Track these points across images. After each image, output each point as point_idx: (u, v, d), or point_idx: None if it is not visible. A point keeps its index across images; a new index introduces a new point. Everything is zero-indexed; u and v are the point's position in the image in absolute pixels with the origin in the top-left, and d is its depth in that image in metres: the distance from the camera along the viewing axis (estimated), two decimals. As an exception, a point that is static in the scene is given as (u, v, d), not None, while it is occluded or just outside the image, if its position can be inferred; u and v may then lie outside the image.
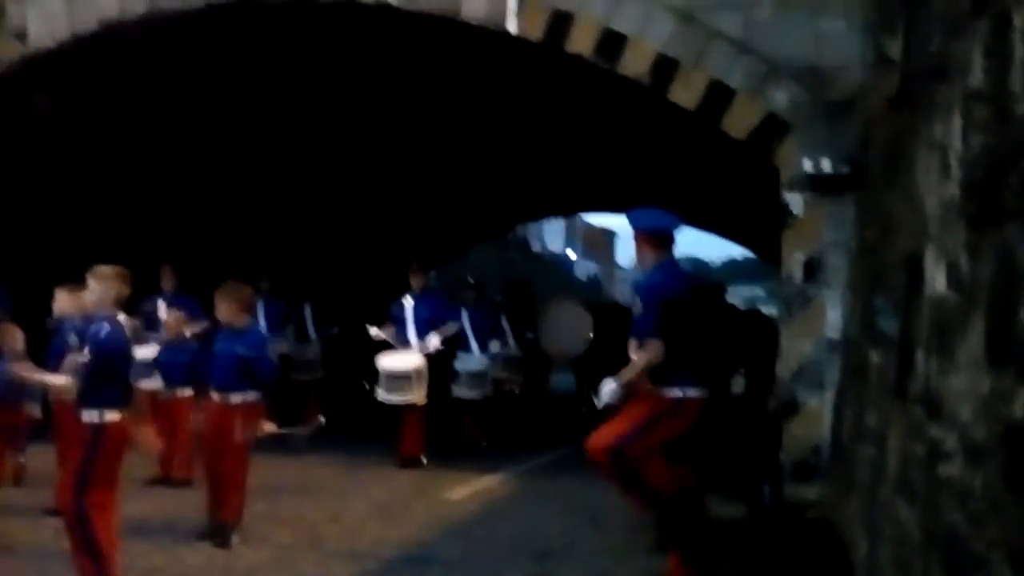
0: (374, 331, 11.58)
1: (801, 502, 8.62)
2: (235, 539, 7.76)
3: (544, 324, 14.10)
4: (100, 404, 6.20)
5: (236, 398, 7.95)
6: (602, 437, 6.47)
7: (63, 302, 8.67)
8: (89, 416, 6.20)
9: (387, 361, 11.26)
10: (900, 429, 4.99)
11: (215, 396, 8.05)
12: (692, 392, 6.50)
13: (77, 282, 7.50)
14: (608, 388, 6.54)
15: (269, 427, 8.11)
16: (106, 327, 6.29)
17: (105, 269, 6.48)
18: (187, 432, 9.66)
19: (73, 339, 7.92)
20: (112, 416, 6.19)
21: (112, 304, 6.41)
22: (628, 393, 6.55)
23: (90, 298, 6.70)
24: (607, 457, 6.42)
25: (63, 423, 7.99)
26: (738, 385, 11.03)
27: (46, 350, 8.52)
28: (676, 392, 6.45)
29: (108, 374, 6.24)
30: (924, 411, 4.33)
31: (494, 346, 12.93)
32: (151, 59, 11.81)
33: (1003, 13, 3.36)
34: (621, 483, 6.58)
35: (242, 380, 7.97)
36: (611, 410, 6.64)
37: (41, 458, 9.16)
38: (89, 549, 6.11)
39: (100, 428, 6.17)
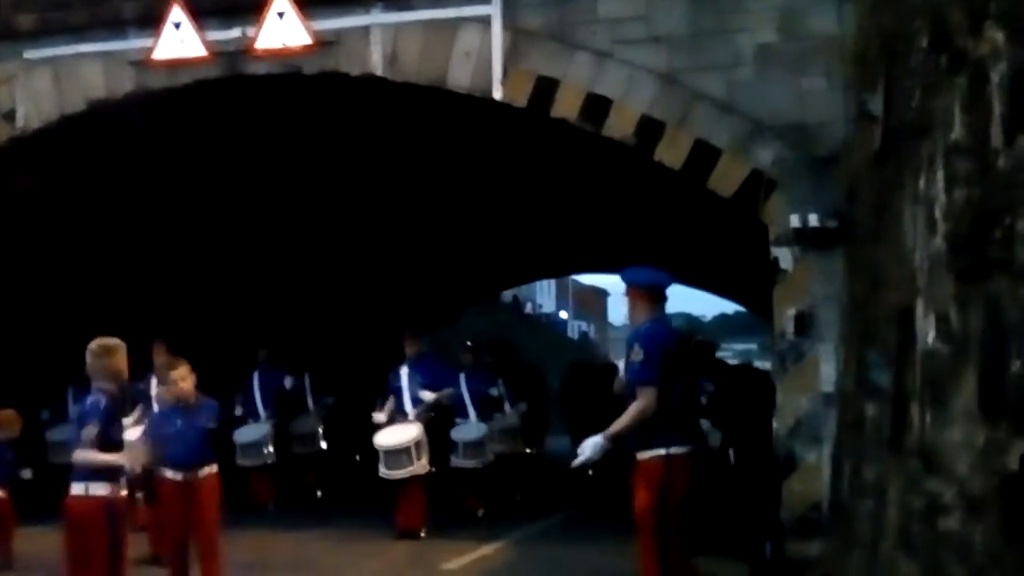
0: (378, 416, 11.48)
1: (803, 559, 8.53)
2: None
3: None
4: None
5: (204, 471, 7.92)
6: (640, 502, 6.50)
7: None
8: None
9: (384, 438, 11.14)
10: (898, 483, 4.97)
11: (174, 474, 7.96)
12: (677, 449, 6.48)
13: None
14: (592, 442, 6.51)
15: None
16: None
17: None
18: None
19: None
20: (76, 490, 6.52)
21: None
22: (613, 448, 6.53)
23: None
24: (649, 515, 6.43)
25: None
26: (714, 439, 10.91)
27: None
28: (660, 451, 6.43)
29: None
30: (921, 464, 4.32)
31: (492, 413, 12.79)
32: (139, 134, 11.88)
33: (979, 70, 3.41)
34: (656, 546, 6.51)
35: (207, 452, 7.99)
36: (595, 466, 6.65)
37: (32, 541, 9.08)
38: None
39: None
